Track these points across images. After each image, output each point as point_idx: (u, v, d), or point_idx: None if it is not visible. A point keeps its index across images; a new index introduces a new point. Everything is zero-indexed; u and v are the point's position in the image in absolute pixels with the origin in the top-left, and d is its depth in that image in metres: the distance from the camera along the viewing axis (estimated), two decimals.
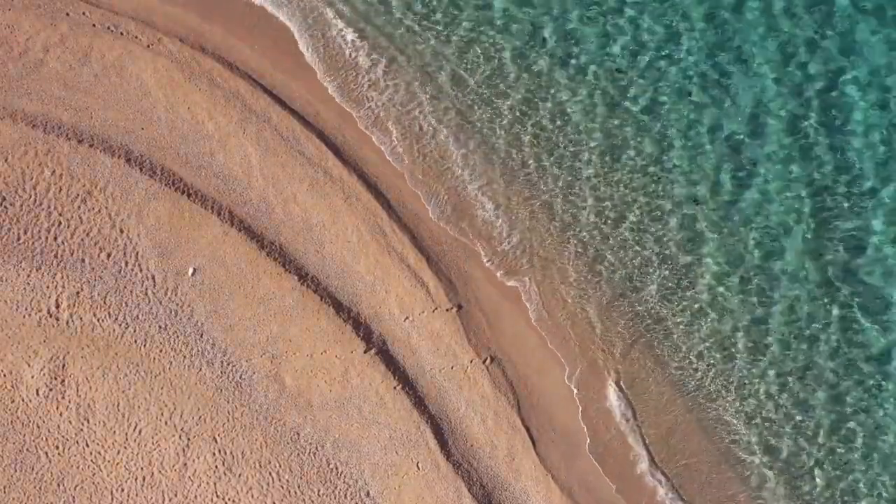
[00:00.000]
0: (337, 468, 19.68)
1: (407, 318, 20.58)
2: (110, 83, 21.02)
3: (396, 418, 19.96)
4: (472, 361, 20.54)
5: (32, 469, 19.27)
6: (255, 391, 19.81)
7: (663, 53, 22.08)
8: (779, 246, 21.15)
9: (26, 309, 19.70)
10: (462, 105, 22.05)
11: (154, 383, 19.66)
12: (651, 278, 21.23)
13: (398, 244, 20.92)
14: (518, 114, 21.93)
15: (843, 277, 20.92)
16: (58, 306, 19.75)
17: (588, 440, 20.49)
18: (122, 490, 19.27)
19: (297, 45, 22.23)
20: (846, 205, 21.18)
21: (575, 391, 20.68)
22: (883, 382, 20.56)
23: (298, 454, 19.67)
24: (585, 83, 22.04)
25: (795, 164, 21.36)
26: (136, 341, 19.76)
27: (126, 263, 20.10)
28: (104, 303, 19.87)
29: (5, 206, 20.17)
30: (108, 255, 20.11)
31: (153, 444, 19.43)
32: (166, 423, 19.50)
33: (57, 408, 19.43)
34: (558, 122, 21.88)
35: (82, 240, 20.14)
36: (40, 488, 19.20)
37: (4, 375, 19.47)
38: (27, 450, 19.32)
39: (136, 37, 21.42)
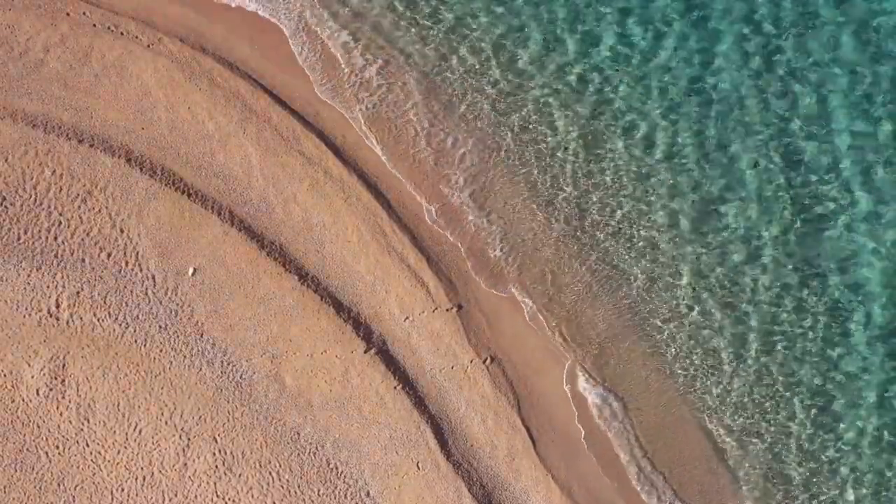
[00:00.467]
0: (337, 468, 19.69)
1: (407, 318, 20.59)
2: (111, 83, 21.01)
3: (396, 418, 19.96)
4: (472, 361, 20.55)
5: (33, 469, 19.27)
6: (256, 391, 19.82)
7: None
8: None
9: (26, 309, 19.70)
10: (456, 104, 22.01)
11: (154, 383, 19.67)
12: (640, 279, 21.31)
13: (398, 244, 20.92)
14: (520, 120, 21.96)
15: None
16: (58, 306, 19.75)
17: (587, 441, 20.53)
18: (123, 490, 19.28)
19: None
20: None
21: (569, 393, 20.72)
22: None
23: (298, 454, 19.67)
24: (572, 80, 21.98)
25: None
26: (136, 341, 19.76)
27: (126, 263, 20.10)
28: (104, 303, 19.87)
29: (5, 206, 20.16)
30: (109, 255, 20.11)
31: (153, 443, 19.43)
32: (166, 422, 19.51)
33: (57, 408, 19.43)
34: (538, 117, 21.82)
35: (82, 240, 20.14)
36: (40, 488, 19.21)
37: (4, 375, 19.47)
38: (27, 450, 19.32)
39: (137, 37, 21.42)
